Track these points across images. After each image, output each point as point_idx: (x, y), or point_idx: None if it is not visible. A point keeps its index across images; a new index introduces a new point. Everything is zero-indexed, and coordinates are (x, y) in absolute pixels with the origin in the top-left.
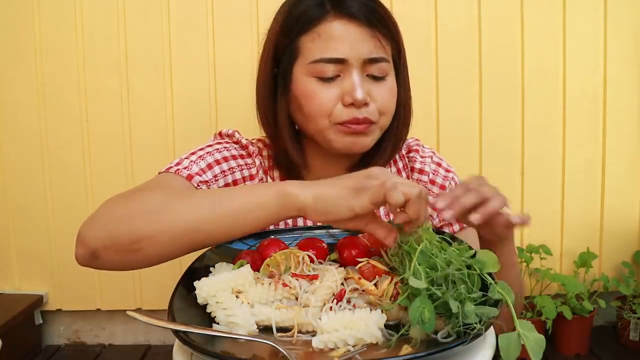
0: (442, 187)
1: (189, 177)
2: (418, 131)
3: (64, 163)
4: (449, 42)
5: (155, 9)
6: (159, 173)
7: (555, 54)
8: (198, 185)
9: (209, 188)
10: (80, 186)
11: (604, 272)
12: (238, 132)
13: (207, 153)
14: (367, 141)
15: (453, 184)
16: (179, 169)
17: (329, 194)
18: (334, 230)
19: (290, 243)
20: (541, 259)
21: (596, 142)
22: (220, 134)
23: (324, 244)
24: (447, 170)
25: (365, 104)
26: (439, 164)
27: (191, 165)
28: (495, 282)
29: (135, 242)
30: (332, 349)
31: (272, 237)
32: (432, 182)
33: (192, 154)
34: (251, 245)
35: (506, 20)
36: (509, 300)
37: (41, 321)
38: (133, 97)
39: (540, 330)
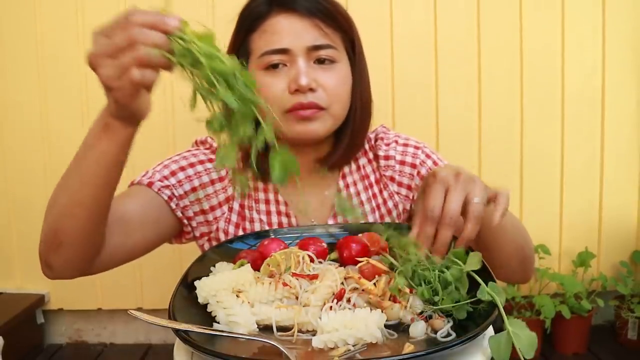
0: (413, 165)
1: (149, 184)
2: (418, 131)
3: (66, 162)
4: (448, 44)
5: (157, 8)
6: (129, 186)
7: (554, 55)
8: (159, 190)
9: (171, 192)
10: None
11: (602, 271)
12: (211, 137)
13: (173, 161)
14: (317, 127)
15: (424, 157)
16: (141, 180)
17: None
18: (334, 230)
19: (290, 243)
20: (540, 258)
21: (594, 142)
22: (196, 142)
23: (324, 244)
24: (416, 147)
25: (311, 90)
26: (406, 145)
27: (154, 174)
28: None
29: (53, 237)
30: (332, 349)
31: (272, 236)
32: (402, 162)
33: (159, 164)
34: (251, 245)
35: (505, 22)
36: (499, 301)
37: (43, 320)
38: None
39: (539, 330)
